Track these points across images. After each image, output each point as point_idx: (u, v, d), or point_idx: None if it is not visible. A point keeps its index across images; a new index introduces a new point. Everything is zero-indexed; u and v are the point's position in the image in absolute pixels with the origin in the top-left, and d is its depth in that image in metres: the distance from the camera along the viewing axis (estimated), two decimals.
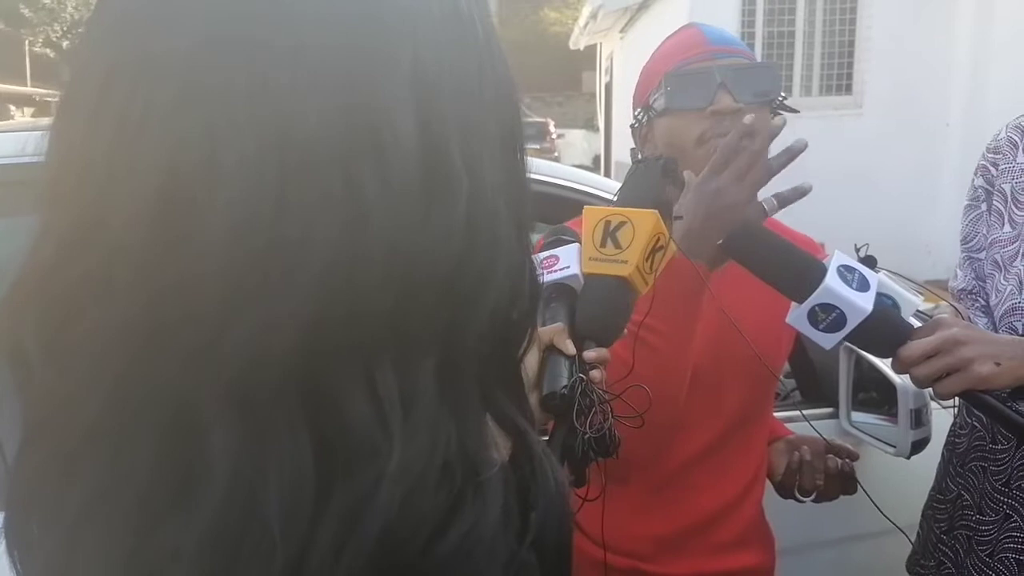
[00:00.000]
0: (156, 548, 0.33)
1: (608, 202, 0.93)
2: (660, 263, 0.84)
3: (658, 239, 0.82)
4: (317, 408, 0.34)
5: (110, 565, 0.33)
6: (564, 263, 0.87)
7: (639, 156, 1.07)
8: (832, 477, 1.20)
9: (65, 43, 19.58)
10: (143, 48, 0.34)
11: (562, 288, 0.85)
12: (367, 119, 0.35)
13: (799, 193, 0.98)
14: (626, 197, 0.87)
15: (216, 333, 0.33)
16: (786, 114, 1.08)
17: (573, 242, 0.89)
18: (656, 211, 0.83)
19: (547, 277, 0.86)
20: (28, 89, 17.84)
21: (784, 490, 1.23)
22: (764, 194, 1.05)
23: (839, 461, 1.20)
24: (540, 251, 0.91)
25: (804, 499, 1.22)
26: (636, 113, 1.14)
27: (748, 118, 0.94)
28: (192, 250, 0.33)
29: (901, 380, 1.41)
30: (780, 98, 1.08)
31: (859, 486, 1.18)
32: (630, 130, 1.18)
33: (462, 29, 0.39)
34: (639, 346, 0.90)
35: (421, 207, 0.35)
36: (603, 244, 0.82)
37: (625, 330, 0.84)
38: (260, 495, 0.32)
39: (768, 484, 1.24)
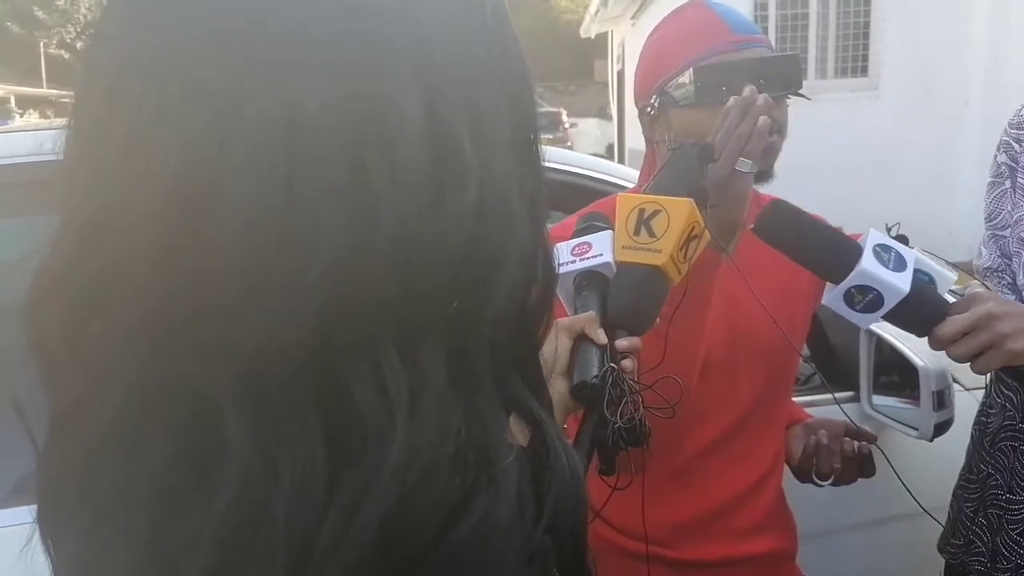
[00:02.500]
0: (174, 537, 0.33)
1: (623, 190, 0.92)
2: (694, 252, 0.83)
3: (693, 228, 0.81)
4: (327, 397, 0.34)
5: (130, 555, 0.34)
6: (596, 250, 0.85)
7: (672, 144, 1.05)
8: (849, 460, 1.18)
9: (79, 44, 19.72)
10: (150, 45, 0.35)
11: (594, 276, 0.84)
12: (371, 106, 0.35)
13: (762, 140, 0.96)
14: (661, 185, 0.86)
15: (229, 325, 0.33)
16: (808, 97, 1.08)
17: (606, 229, 0.88)
18: (691, 200, 0.82)
19: (579, 264, 0.85)
20: (44, 90, 18.02)
21: (801, 474, 1.22)
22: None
23: (856, 444, 1.19)
24: (572, 237, 0.90)
25: (822, 483, 1.21)
26: (651, 99, 1.11)
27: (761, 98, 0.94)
28: (204, 244, 0.33)
29: (922, 362, 1.39)
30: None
31: (890, 465, 1.16)
32: (638, 112, 1.16)
33: (469, 13, 0.39)
34: (650, 333, 0.89)
35: (429, 194, 0.35)
36: (637, 232, 0.81)
37: (657, 319, 0.83)
38: (272, 484, 0.33)
39: (787, 469, 1.23)
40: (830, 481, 1.20)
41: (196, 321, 0.33)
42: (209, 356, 0.33)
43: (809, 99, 1.10)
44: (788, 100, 1.08)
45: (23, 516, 0.42)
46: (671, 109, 1.08)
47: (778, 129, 1.05)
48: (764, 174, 1.07)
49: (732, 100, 0.97)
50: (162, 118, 0.34)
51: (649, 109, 1.12)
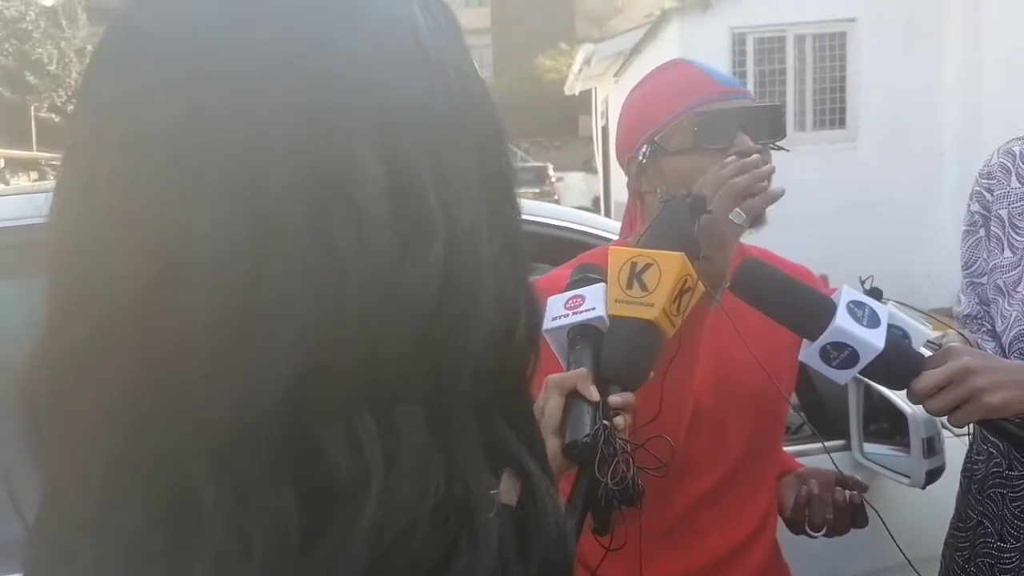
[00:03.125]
0: None
1: (610, 242, 0.93)
2: (688, 305, 0.83)
3: (685, 281, 0.81)
4: (301, 463, 0.34)
5: None
6: (589, 304, 0.85)
7: (664, 196, 1.07)
8: (841, 510, 1.17)
9: (70, 108, 19.90)
10: (123, 127, 0.35)
11: (587, 330, 0.84)
12: (334, 169, 0.35)
13: (771, 198, 0.99)
14: (653, 237, 0.87)
15: (201, 397, 0.33)
16: (787, 149, 1.11)
17: (599, 281, 0.88)
18: (682, 253, 0.82)
19: (572, 318, 0.85)
20: (34, 154, 18.11)
21: (794, 526, 1.21)
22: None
23: (847, 493, 1.18)
24: (566, 289, 0.90)
25: (815, 534, 1.19)
26: (640, 150, 1.12)
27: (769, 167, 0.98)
28: (175, 316, 0.33)
29: (912, 409, 1.39)
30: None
31: (878, 515, 1.16)
32: (623, 164, 1.17)
33: (431, 73, 0.39)
34: (643, 389, 0.88)
35: (395, 252, 0.35)
36: (629, 286, 0.82)
37: (652, 374, 0.83)
38: (245, 561, 0.33)
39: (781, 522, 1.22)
40: (823, 532, 1.19)
41: (171, 393, 0.33)
42: (184, 429, 0.33)
43: (788, 151, 1.13)
44: (775, 149, 1.10)
45: None
46: (662, 158, 1.09)
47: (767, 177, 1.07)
48: (758, 219, 1.09)
49: (732, 155, 1.00)
50: (135, 197, 0.34)
51: (641, 159, 1.12)
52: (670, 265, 0.81)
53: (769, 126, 1.08)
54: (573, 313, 0.85)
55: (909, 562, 1.12)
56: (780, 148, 1.10)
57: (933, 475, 1.37)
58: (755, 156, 0.99)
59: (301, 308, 0.34)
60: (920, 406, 0.97)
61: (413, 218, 0.36)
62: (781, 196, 0.99)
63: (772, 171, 0.98)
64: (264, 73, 0.35)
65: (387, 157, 0.36)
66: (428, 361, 0.36)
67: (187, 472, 0.33)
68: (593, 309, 0.84)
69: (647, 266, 0.82)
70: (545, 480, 0.43)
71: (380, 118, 0.37)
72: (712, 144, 1.05)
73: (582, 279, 0.90)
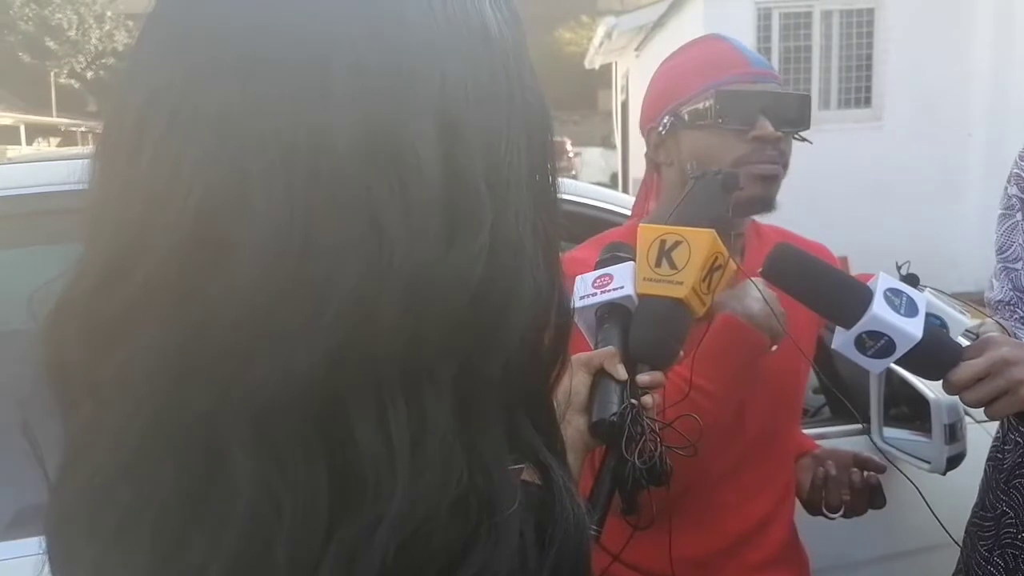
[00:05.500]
0: (179, 572, 0.33)
1: (627, 219, 0.92)
2: (718, 283, 0.82)
3: (716, 259, 0.80)
4: (333, 440, 0.34)
5: None
6: (618, 282, 0.84)
7: (696, 172, 1.05)
8: (858, 491, 1.16)
9: (89, 74, 19.99)
10: (178, 77, 0.35)
11: (616, 309, 0.83)
12: (392, 149, 0.35)
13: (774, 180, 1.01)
14: (683, 215, 0.85)
15: (241, 368, 0.33)
16: (811, 134, 1.09)
17: (628, 259, 0.86)
18: (713, 230, 0.80)
19: (600, 297, 0.84)
20: (54, 119, 18.23)
21: (811, 507, 1.20)
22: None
23: (864, 474, 1.17)
24: (596, 267, 0.88)
25: (833, 516, 1.18)
26: (662, 120, 1.11)
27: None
28: (220, 288, 0.33)
29: (934, 395, 1.37)
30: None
31: (919, 492, 1.14)
32: (644, 135, 1.16)
33: (492, 58, 0.39)
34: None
35: (442, 241, 0.35)
36: (658, 264, 0.80)
37: (681, 353, 0.81)
38: (276, 525, 0.33)
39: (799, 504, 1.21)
40: (840, 513, 1.18)
41: (212, 360, 0.33)
42: (223, 395, 0.33)
43: (811, 143, 1.12)
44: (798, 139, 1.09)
45: (21, 549, 0.42)
46: (682, 131, 1.08)
47: (783, 162, 1.06)
48: (766, 204, 1.07)
49: (751, 137, 1.02)
50: (186, 164, 0.34)
51: (661, 129, 1.11)
52: (700, 242, 0.79)
53: (793, 114, 1.07)
54: (601, 292, 0.84)
55: (955, 541, 1.10)
56: (803, 139, 1.09)
57: (954, 461, 1.35)
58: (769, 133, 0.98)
59: (344, 289, 0.34)
60: (947, 393, 0.95)
61: (463, 205, 0.36)
62: (776, 167, 0.99)
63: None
64: (328, 48, 0.35)
65: (444, 141, 0.36)
66: (462, 350, 0.36)
67: (222, 436, 0.33)
68: (622, 288, 0.83)
69: (677, 243, 0.80)
70: (565, 476, 0.43)
71: (441, 100, 0.36)
72: (731, 123, 1.04)
73: (611, 257, 0.89)
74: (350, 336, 0.34)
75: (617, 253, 0.89)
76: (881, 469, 1.21)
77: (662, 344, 0.80)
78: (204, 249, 0.34)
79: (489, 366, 0.37)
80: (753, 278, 0.97)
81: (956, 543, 1.10)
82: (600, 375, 0.76)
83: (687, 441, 0.76)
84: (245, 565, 0.33)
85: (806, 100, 1.11)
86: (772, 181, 1.05)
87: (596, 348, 0.80)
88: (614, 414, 0.72)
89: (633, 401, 0.73)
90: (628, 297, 0.83)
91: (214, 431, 0.33)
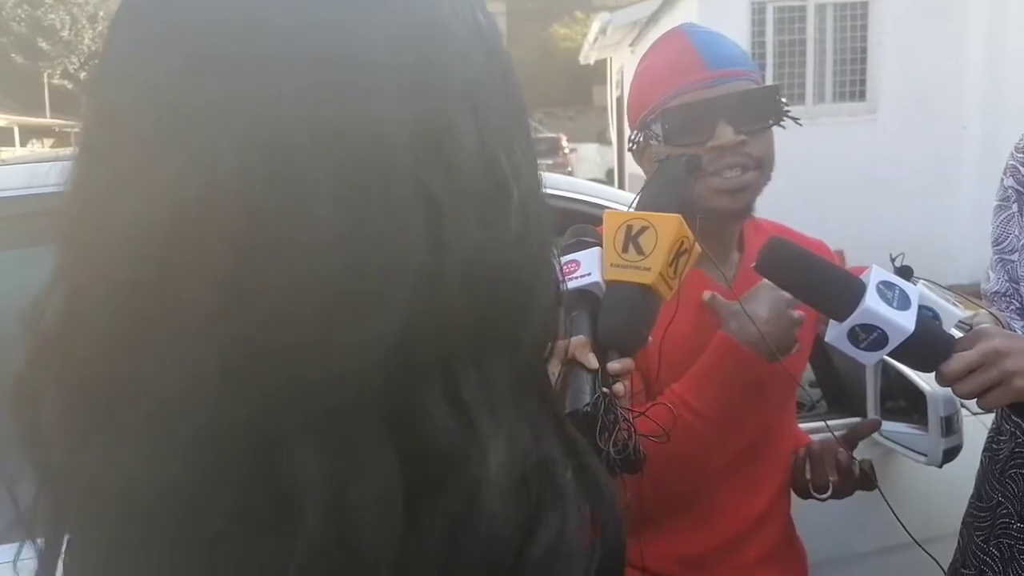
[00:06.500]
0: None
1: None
2: (684, 267, 0.82)
3: (682, 243, 0.80)
4: (400, 424, 0.34)
5: None
6: (585, 269, 0.84)
7: (658, 156, 1.05)
8: (845, 471, 1.16)
9: (83, 74, 19.90)
10: (252, 89, 0.33)
11: (583, 296, 0.82)
12: (436, 134, 0.35)
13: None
14: (649, 199, 0.85)
15: (303, 361, 0.32)
16: (802, 122, 1.07)
17: (595, 245, 0.86)
18: (679, 215, 0.81)
19: (568, 284, 0.83)
20: (47, 120, 18.16)
21: (800, 490, 1.19)
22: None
23: (847, 455, 1.17)
24: (561, 253, 0.88)
25: (821, 497, 1.17)
26: (633, 134, 1.11)
27: None
28: (276, 282, 0.32)
29: (930, 388, 1.38)
30: (785, 110, 1.07)
31: (880, 494, 1.15)
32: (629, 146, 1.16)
33: (486, 45, 0.40)
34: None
35: (487, 222, 0.36)
36: (625, 250, 0.80)
37: (650, 339, 0.82)
38: (350, 516, 0.32)
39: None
40: (829, 493, 1.17)
41: (264, 362, 0.32)
42: (277, 396, 0.32)
43: (801, 124, 1.10)
44: (780, 127, 1.07)
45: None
46: (652, 145, 1.07)
47: (756, 165, 1.03)
48: (737, 215, 1.06)
49: (709, 147, 1.01)
50: (226, 160, 0.32)
51: (631, 145, 1.12)
52: (667, 227, 0.79)
53: (758, 110, 1.03)
54: (569, 279, 0.83)
55: (919, 544, 1.11)
56: (795, 120, 1.07)
57: (950, 454, 1.36)
58: (728, 140, 0.97)
59: (408, 269, 0.33)
60: (939, 385, 0.96)
61: (495, 185, 0.37)
62: (748, 174, 0.99)
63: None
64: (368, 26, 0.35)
65: (478, 123, 0.37)
66: (509, 326, 0.37)
67: (277, 439, 0.32)
68: (589, 275, 0.83)
69: (643, 229, 0.80)
70: (587, 448, 0.44)
71: (465, 84, 0.37)
72: (684, 141, 1.02)
73: (577, 243, 0.88)
74: (415, 317, 0.33)
75: (582, 237, 0.88)
76: (873, 426, 1.20)
77: (632, 330, 0.80)
78: (261, 236, 0.32)
79: (524, 342, 0.38)
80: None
81: (919, 545, 1.10)
82: (570, 365, 0.76)
83: (660, 429, 0.76)
84: (323, 564, 0.32)
85: (769, 92, 1.07)
86: (739, 193, 1.03)
87: (565, 336, 0.80)
88: (587, 404, 0.72)
89: (605, 390, 0.73)
90: (596, 284, 0.82)
91: (269, 434, 0.32)
